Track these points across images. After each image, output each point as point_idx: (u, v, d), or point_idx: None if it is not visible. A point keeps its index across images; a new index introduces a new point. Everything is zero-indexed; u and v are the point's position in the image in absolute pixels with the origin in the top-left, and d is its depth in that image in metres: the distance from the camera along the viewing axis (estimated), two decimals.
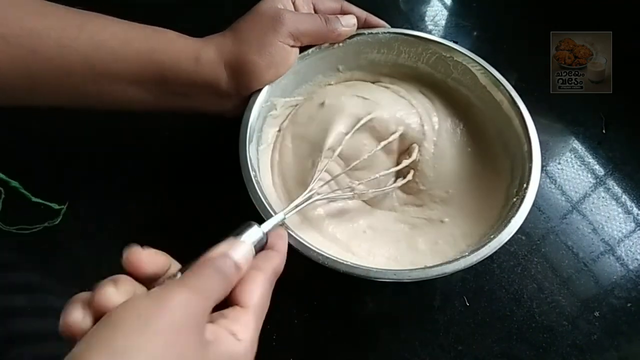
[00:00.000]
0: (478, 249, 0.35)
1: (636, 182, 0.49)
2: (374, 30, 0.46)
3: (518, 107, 0.41)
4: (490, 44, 0.59)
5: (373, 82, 0.49)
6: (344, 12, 0.44)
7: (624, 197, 0.48)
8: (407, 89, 0.47)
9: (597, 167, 0.49)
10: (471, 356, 0.39)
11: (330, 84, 0.49)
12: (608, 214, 0.46)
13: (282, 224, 0.35)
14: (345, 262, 0.34)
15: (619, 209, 0.47)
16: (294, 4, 0.42)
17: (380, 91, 0.47)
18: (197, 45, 0.38)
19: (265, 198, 0.37)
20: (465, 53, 0.44)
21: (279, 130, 0.46)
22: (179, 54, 0.37)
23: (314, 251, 0.34)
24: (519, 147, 0.40)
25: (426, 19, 0.62)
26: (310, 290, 0.42)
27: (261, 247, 0.32)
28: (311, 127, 0.45)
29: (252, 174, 0.38)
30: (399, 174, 0.45)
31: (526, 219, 0.36)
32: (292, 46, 0.40)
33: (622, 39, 0.50)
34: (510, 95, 0.42)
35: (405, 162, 0.43)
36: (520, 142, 0.40)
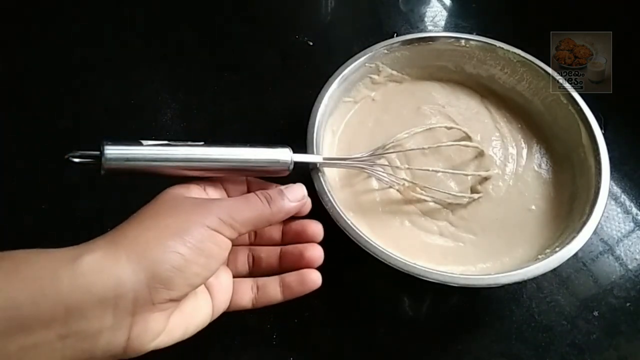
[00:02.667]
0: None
1: (635, 182, 0.49)
2: (506, 47, 0.46)
3: (600, 178, 0.39)
4: None
5: (481, 96, 0.50)
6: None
7: (623, 197, 0.48)
8: (509, 120, 0.48)
9: None
10: (471, 356, 0.39)
11: (441, 80, 0.50)
12: (607, 214, 0.46)
13: (314, 167, 0.38)
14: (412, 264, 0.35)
15: (618, 209, 0.47)
16: (204, 190, 0.34)
17: (479, 116, 0.48)
18: (68, 252, 0.26)
19: (317, 135, 0.40)
20: (582, 107, 0.43)
21: (373, 100, 0.49)
22: (35, 274, 0.25)
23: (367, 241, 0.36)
24: (580, 216, 0.39)
25: (426, 19, 0.62)
26: None
27: (285, 171, 0.36)
28: (398, 118, 0.47)
29: (320, 110, 0.41)
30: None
31: None
32: (227, 237, 0.30)
33: (622, 39, 0.50)
34: (600, 164, 0.40)
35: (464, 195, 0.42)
36: (583, 212, 0.39)
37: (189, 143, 0.33)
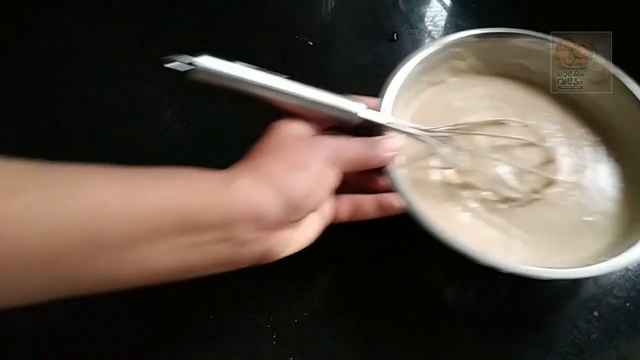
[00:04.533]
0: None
1: None
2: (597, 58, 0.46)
3: None
4: None
5: (561, 103, 0.49)
6: None
7: None
8: (586, 132, 0.47)
9: None
10: (471, 356, 0.39)
11: (520, 79, 0.50)
12: None
13: (383, 127, 0.39)
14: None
15: None
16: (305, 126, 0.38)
17: (553, 123, 0.47)
18: (223, 175, 0.32)
19: (391, 99, 0.41)
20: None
21: (449, 85, 0.49)
22: (202, 188, 0.30)
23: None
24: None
25: (426, 19, 0.62)
26: (310, 289, 0.42)
27: (350, 123, 0.38)
28: (472, 108, 0.47)
29: (398, 81, 0.43)
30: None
31: None
32: (336, 170, 0.35)
33: (622, 39, 0.50)
34: None
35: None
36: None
37: (275, 73, 0.36)
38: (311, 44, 0.58)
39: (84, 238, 0.26)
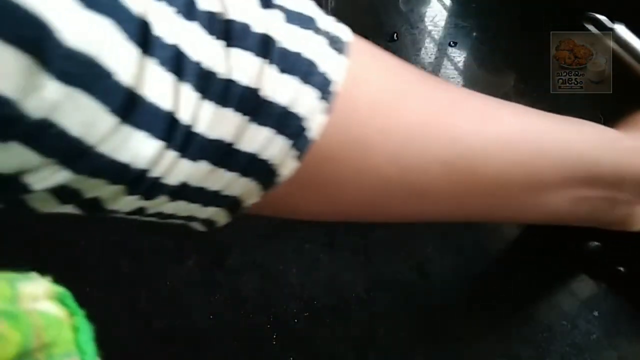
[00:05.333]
0: None
1: None
2: None
3: None
4: (490, 45, 0.59)
5: None
6: None
7: None
8: None
9: None
10: (471, 356, 0.39)
11: None
12: None
13: None
14: None
15: None
16: None
17: None
18: (616, 132, 0.32)
19: None
20: None
21: None
22: (607, 144, 0.30)
23: None
24: None
25: (426, 19, 0.62)
26: (310, 289, 0.42)
27: None
28: None
29: None
30: None
31: None
32: None
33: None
34: None
35: None
36: None
37: None
38: None
39: (528, 173, 0.27)
